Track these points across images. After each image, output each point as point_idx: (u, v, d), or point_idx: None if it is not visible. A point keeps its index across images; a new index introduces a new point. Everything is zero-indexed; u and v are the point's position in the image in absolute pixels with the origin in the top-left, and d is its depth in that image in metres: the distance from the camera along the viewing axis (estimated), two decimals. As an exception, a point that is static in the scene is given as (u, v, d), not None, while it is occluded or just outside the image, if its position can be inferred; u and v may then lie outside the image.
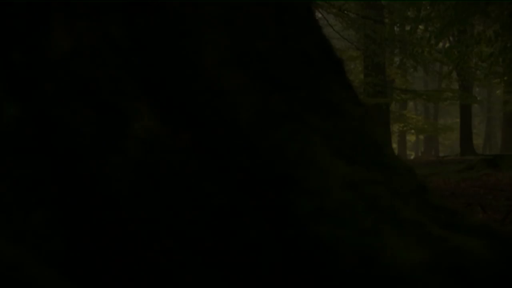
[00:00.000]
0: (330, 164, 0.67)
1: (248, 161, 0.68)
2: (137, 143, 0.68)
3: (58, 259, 0.64)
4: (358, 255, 0.61)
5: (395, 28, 13.08)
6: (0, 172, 0.64)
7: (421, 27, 9.46)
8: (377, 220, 0.63)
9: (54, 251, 0.63)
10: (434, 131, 27.38)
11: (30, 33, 0.68)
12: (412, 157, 32.35)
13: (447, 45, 14.16)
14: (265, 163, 0.68)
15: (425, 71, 16.49)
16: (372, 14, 13.05)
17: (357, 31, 14.04)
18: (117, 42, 0.73)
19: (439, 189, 9.06)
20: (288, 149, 0.68)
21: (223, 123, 0.70)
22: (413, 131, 26.85)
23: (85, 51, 0.67)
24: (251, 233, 0.67)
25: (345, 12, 13.17)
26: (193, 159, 0.69)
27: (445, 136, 32.02)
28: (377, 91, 14.79)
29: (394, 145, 36.44)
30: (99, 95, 0.68)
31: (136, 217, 0.67)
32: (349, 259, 0.62)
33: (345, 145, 0.69)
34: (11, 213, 0.63)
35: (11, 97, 0.67)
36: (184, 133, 0.71)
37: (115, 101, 0.69)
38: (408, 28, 9.35)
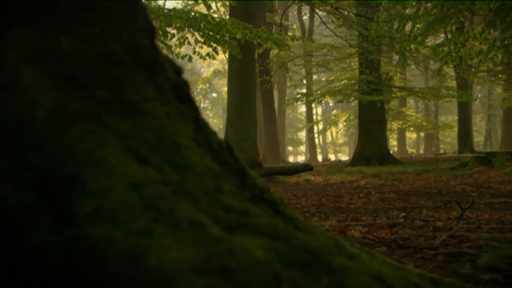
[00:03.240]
0: (118, 164, 0.66)
1: (39, 160, 0.68)
2: None
3: None
4: (127, 256, 0.61)
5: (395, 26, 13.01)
6: None
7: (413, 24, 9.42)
8: (152, 221, 0.63)
9: None
10: (434, 129, 27.33)
11: None
12: (413, 154, 32.29)
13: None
14: (55, 162, 0.67)
15: (418, 69, 16.43)
16: (365, 11, 13.02)
17: (349, 28, 14.00)
18: None
19: (428, 186, 9.03)
20: (79, 149, 0.67)
21: (21, 121, 0.69)
22: (412, 128, 26.81)
23: None
24: (38, 233, 0.67)
25: (338, 9, 13.14)
26: (-12, 159, 0.69)
27: (444, 133, 31.96)
28: (371, 89, 14.76)
29: (394, 142, 36.38)
30: None
31: None
32: (118, 260, 0.61)
33: (142, 145, 0.69)
34: None
35: None
36: (-16, 133, 0.70)
37: None
38: (398, 25, 9.29)
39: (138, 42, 0.76)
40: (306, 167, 4.93)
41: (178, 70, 0.89)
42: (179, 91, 0.86)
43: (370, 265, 1.20)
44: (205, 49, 8.52)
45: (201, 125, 0.94)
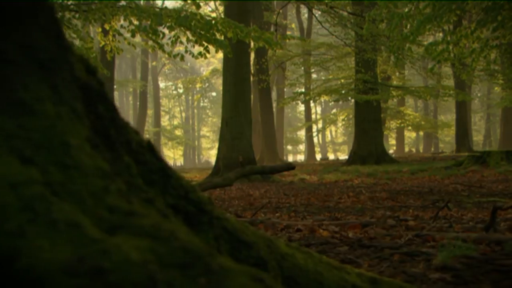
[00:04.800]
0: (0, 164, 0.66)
1: None
2: None
3: None
4: (-2, 257, 0.61)
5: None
6: None
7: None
8: (26, 221, 0.62)
9: None
10: (432, 128, 27.29)
11: None
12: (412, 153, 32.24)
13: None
14: None
15: (414, 68, 16.41)
16: (359, 11, 13.00)
17: (344, 27, 13.98)
18: None
19: (421, 185, 9.02)
20: (-39, 150, 0.67)
21: None
22: (410, 127, 26.77)
23: None
24: None
25: (333, 8, 13.12)
26: None
27: (443, 132, 31.91)
28: (368, 88, 14.75)
29: (392, 142, 36.34)
30: None
31: None
32: (-10, 262, 0.61)
33: (27, 145, 0.69)
34: None
35: None
36: None
37: None
38: (390, 24, 9.28)
39: (34, 42, 0.75)
40: (288, 167, 4.93)
41: (91, 70, 0.89)
42: (89, 90, 0.85)
43: (304, 264, 1.20)
44: (198, 49, 8.52)
45: (117, 125, 0.93)
